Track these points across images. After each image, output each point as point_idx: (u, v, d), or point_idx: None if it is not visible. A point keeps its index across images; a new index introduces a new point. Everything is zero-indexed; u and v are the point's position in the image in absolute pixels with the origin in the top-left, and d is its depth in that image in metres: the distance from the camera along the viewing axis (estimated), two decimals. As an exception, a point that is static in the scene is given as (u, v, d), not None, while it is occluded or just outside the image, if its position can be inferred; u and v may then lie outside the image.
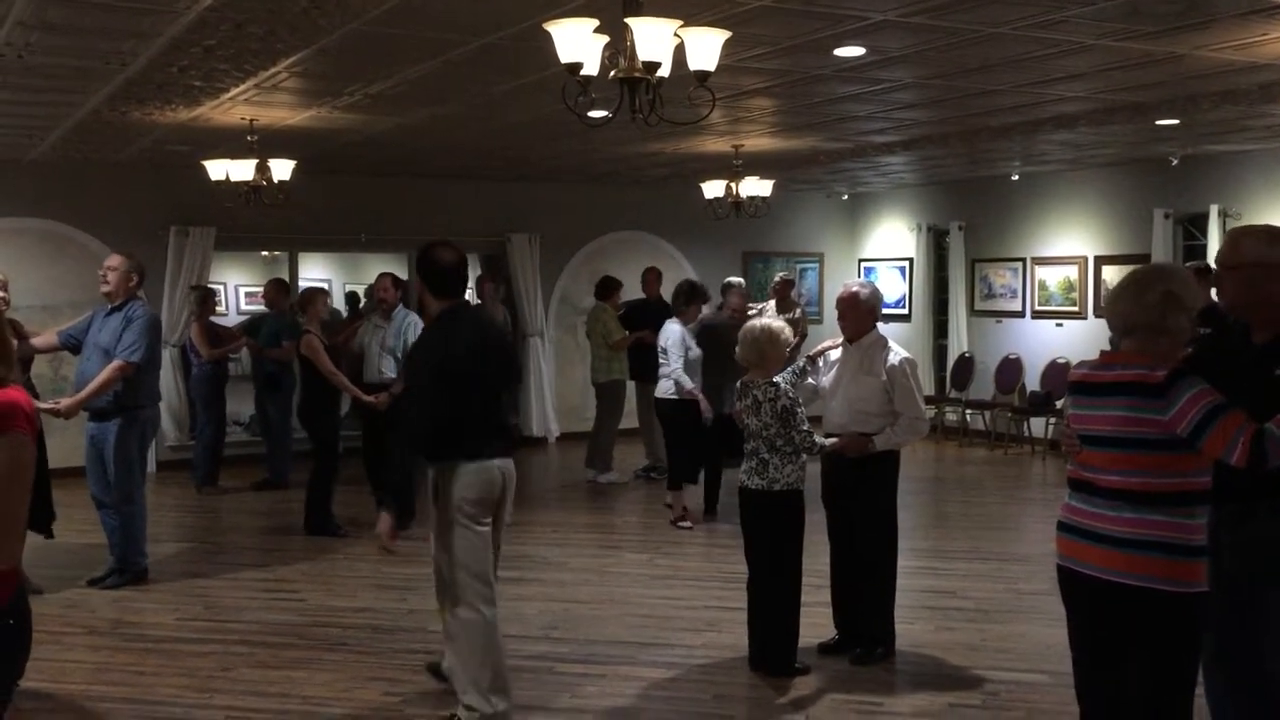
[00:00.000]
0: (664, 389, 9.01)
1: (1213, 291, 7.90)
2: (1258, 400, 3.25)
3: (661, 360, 9.01)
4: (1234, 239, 3.51)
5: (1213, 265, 9.20)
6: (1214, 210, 10.85)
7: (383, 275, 8.92)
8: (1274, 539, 3.32)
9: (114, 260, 7.06)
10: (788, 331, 5.53)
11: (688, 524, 8.79)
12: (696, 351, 8.98)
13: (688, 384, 8.80)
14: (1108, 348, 3.49)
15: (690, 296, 9.21)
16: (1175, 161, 10.99)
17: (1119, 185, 11.97)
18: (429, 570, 7.36)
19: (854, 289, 5.60)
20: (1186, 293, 3.27)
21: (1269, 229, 3.50)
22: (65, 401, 6.78)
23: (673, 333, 8.97)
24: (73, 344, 7.07)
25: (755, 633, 5.47)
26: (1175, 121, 8.75)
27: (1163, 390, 3.13)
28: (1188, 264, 7.94)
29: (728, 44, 4.80)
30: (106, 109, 7.98)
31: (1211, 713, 3.64)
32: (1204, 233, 11.09)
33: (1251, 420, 3.06)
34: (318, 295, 8.81)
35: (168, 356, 11.30)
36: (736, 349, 5.50)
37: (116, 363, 6.73)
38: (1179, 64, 6.79)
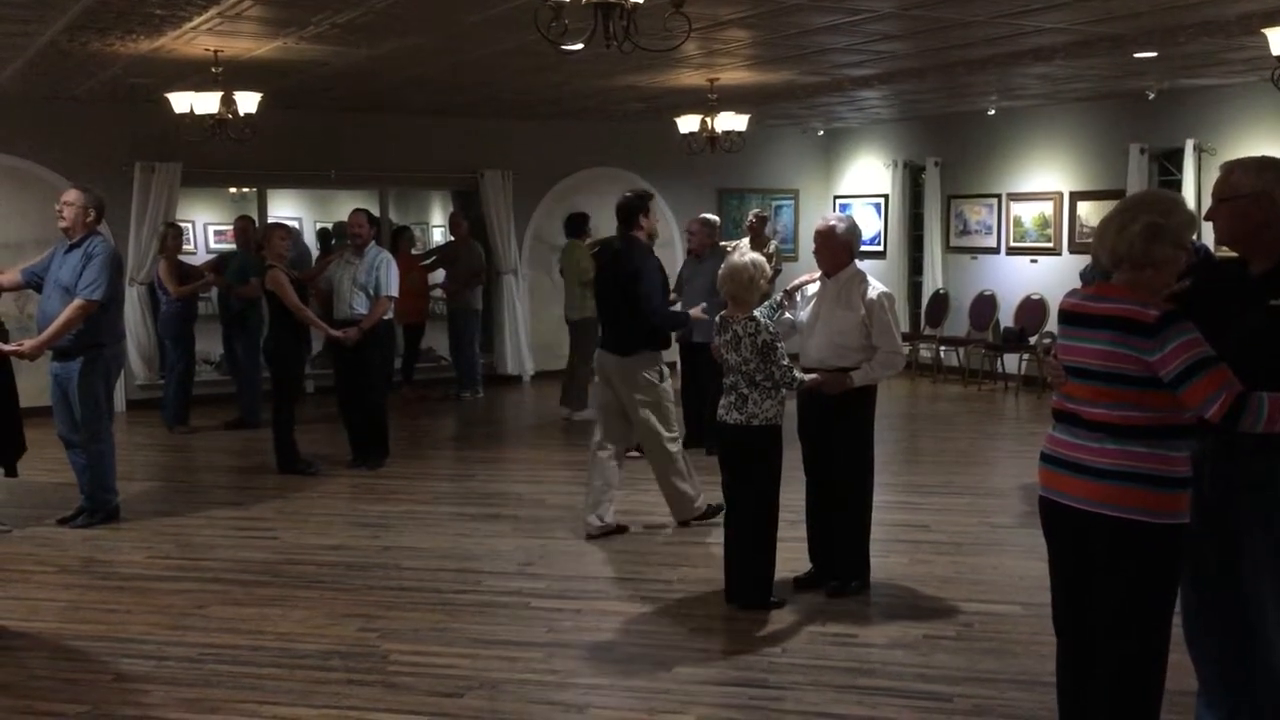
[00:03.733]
0: None
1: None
2: (1253, 331, 3.24)
3: None
4: (1226, 171, 3.46)
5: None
6: (1189, 145, 10.83)
7: (357, 211, 8.79)
8: (1256, 470, 3.32)
9: (70, 195, 6.88)
10: (768, 266, 5.50)
11: (637, 454, 8.89)
12: None
13: None
14: (1078, 284, 3.45)
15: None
16: (1151, 96, 10.94)
17: (1095, 120, 11.92)
18: (402, 508, 7.45)
19: (830, 223, 5.54)
20: (1170, 221, 3.22)
21: (1260, 159, 3.44)
22: (29, 343, 6.67)
23: None
24: (36, 282, 6.94)
25: (731, 567, 5.48)
26: (1153, 54, 8.68)
27: (1154, 331, 3.09)
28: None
29: (704, -30, 4.69)
30: (66, 39, 7.76)
31: (1188, 642, 3.66)
32: (1179, 168, 11.08)
33: (1237, 382, 3.05)
34: (276, 230, 8.69)
35: (135, 295, 11.16)
36: (717, 283, 5.46)
37: (78, 301, 6.60)
38: (1159, -6, 6.72)
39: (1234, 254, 3.54)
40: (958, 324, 13.26)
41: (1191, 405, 3.10)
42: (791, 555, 5.72)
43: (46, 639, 5.09)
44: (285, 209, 17.29)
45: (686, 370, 9.24)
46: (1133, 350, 3.13)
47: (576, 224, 10.59)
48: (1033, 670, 4.51)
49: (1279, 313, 3.24)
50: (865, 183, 14.85)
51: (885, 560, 5.99)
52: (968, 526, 6.85)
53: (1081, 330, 3.29)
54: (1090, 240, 3.44)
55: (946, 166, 13.54)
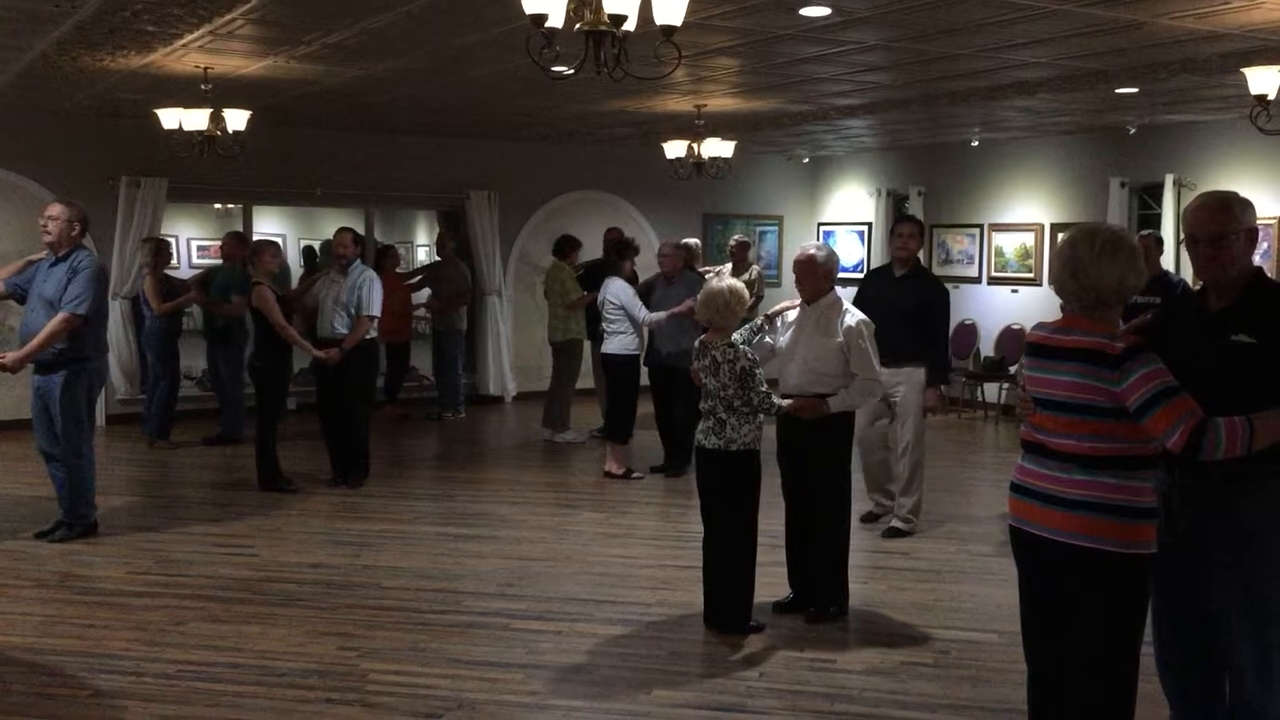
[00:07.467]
0: (620, 345, 9.06)
1: (1162, 260, 8.10)
2: (1214, 366, 3.29)
3: (613, 317, 9.04)
4: (1222, 205, 3.44)
5: (1162, 236, 9.38)
6: (1169, 180, 10.96)
7: (342, 230, 8.79)
8: (1225, 503, 3.37)
9: (54, 209, 6.85)
10: (746, 292, 5.56)
11: (640, 474, 8.92)
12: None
13: (659, 317, 8.94)
14: (1059, 314, 3.49)
15: (622, 250, 9.48)
16: (1132, 130, 11.08)
17: (1076, 153, 12.05)
18: (382, 527, 7.44)
19: (810, 251, 5.60)
20: (1138, 252, 3.33)
21: (1220, 200, 3.47)
22: (10, 355, 6.65)
23: (624, 288, 9.07)
24: (19, 293, 6.92)
25: (710, 591, 5.50)
26: (1134, 90, 8.80)
27: (1119, 363, 3.15)
28: (1143, 232, 8.02)
29: (693, 0, 4.75)
30: (56, 54, 7.77)
31: (1159, 671, 3.70)
32: (1159, 202, 11.21)
33: (1198, 410, 3.09)
34: (265, 247, 8.69)
35: (119, 309, 11.13)
36: (696, 309, 5.52)
37: (63, 315, 6.59)
38: (1140, 31, 6.82)
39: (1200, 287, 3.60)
40: (939, 352, 13.32)
41: (1155, 435, 3.16)
42: (771, 580, 5.74)
43: (22, 654, 5.06)
44: (270, 225, 17.29)
45: (657, 393, 9.29)
46: (1100, 382, 3.18)
47: (564, 246, 10.63)
48: (1009, 698, 4.54)
49: (1238, 348, 3.30)
50: (849, 210, 14.94)
51: (864, 586, 6.02)
52: (946, 554, 6.89)
53: (1049, 362, 3.34)
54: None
55: (930, 196, 13.64)
